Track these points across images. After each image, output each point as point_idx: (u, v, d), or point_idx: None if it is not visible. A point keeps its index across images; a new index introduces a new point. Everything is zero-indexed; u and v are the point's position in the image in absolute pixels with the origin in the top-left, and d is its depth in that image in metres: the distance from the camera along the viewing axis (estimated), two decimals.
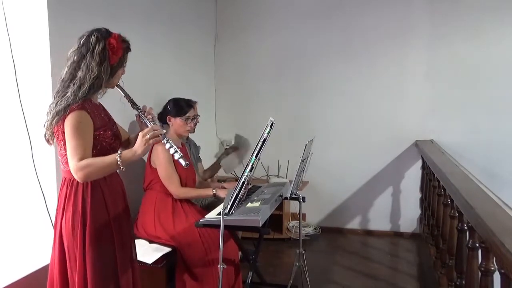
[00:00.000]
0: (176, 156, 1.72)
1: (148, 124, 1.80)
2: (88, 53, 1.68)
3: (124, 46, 1.77)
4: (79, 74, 1.68)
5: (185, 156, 2.77)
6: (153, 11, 3.22)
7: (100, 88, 1.75)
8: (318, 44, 4.20)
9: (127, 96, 1.85)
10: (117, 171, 1.94)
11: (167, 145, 1.73)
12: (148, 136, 1.66)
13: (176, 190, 2.60)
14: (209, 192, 2.66)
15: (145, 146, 1.67)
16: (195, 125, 3.14)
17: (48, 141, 1.79)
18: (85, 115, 1.68)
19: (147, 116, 1.82)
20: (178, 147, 2.51)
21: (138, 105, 1.86)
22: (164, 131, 1.74)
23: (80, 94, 1.67)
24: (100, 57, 1.68)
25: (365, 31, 4.09)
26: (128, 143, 2.00)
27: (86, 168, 1.64)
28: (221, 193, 2.63)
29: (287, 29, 4.27)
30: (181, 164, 1.73)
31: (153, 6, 3.23)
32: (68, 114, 1.66)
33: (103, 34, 1.71)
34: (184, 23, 3.73)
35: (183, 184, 2.67)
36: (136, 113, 1.85)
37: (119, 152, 1.67)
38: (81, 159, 1.64)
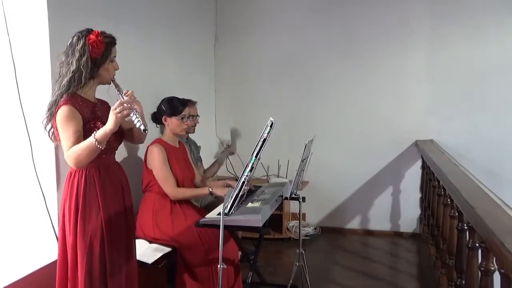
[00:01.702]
0: (138, 125, 1.80)
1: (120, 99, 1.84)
2: (70, 51, 1.82)
3: (106, 40, 1.85)
4: (63, 70, 1.82)
5: (184, 156, 2.82)
6: (153, 11, 3.22)
7: (81, 81, 1.83)
8: (318, 44, 4.20)
9: (117, 87, 1.91)
10: (120, 170, 2.05)
11: (133, 118, 1.79)
12: (117, 110, 1.73)
13: (172, 191, 2.59)
14: (205, 191, 2.64)
15: (114, 120, 1.73)
16: (195, 125, 3.15)
17: (51, 139, 1.91)
18: (71, 109, 1.79)
19: (125, 98, 1.84)
20: (174, 147, 2.52)
21: (124, 91, 1.90)
22: (136, 107, 1.81)
23: (61, 88, 1.81)
24: (80, 52, 1.80)
25: (365, 31, 4.09)
26: (132, 133, 2.06)
27: (73, 154, 1.76)
28: (218, 191, 2.61)
29: (287, 29, 4.27)
30: (141, 130, 1.80)
31: (153, 7, 3.23)
32: (57, 110, 1.80)
33: (84, 33, 1.83)
34: (184, 23, 3.74)
35: (180, 184, 2.65)
36: (119, 98, 1.87)
37: (94, 132, 1.75)
38: (70, 148, 1.77)
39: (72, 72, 1.80)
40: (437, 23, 3.94)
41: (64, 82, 1.81)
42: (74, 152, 1.75)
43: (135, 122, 1.80)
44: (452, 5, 3.90)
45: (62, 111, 1.78)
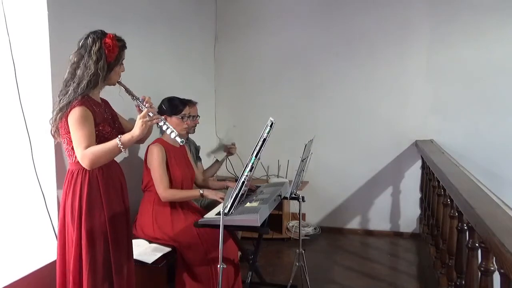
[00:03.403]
0: (173, 135, 1.82)
1: (145, 109, 1.87)
2: (86, 53, 1.84)
3: (119, 44, 1.90)
4: (78, 72, 1.83)
5: (185, 156, 2.82)
6: (153, 11, 3.22)
7: (97, 84, 1.87)
8: (318, 44, 4.20)
9: (127, 90, 1.96)
10: (119, 169, 2.06)
11: (164, 127, 1.83)
12: (147, 118, 1.78)
13: (163, 192, 2.55)
14: (195, 193, 2.61)
15: (142, 127, 1.78)
16: (195, 125, 3.14)
17: (54, 136, 1.92)
18: (85, 110, 1.82)
19: (146, 104, 1.89)
20: (175, 147, 2.54)
21: (138, 96, 1.95)
22: (162, 117, 1.85)
23: (79, 91, 1.82)
24: (97, 55, 1.83)
25: (365, 31, 4.09)
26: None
27: (91, 154, 1.78)
28: (209, 194, 2.57)
29: (287, 29, 4.27)
30: (177, 142, 1.83)
31: (153, 7, 3.23)
32: (70, 111, 1.80)
33: (99, 35, 1.86)
34: (184, 23, 3.73)
35: (179, 184, 2.65)
36: (136, 103, 1.93)
37: (119, 136, 1.81)
38: (86, 147, 1.79)
39: (90, 75, 1.82)
40: (437, 24, 3.94)
41: (83, 85, 1.82)
42: (93, 153, 1.77)
43: (168, 132, 1.82)
44: (452, 5, 3.90)
45: (77, 112, 1.80)
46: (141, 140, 2.10)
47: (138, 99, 1.92)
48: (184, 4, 3.75)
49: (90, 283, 1.85)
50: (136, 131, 1.79)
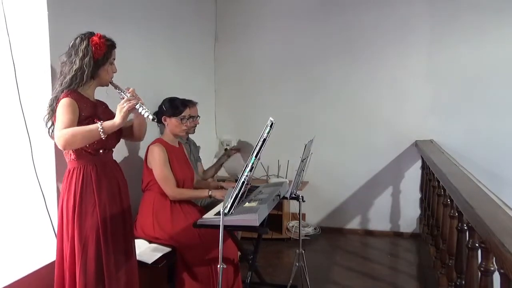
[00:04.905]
0: (145, 115, 1.85)
1: (124, 97, 1.90)
2: (73, 51, 1.89)
3: (107, 43, 1.93)
4: (65, 69, 1.88)
5: (183, 157, 2.82)
6: (153, 12, 3.22)
7: (83, 80, 1.88)
8: (318, 44, 4.20)
9: (116, 87, 1.98)
10: (117, 168, 2.07)
11: (140, 109, 1.85)
12: (124, 104, 1.81)
13: (171, 191, 2.58)
14: (204, 193, 2.63)
15: (121, 115, 1.81)
16: (195, 126, 3.14)
17: (51, 136, 1.94)
18: (71, 101, 1.84)
19: (128, 94, 1.91)
20: (174, 147, 2.55)
21: (123, 89, 1.97)
22: (140, 99, 1.87)
23: (64, 85, 1.88)
24: (83, 52, 1.87)
25: (365, 31, 4.09)
26: (131, 130, 2.09)
27: (67, 133, 1.76)
28: (217, 194, 2.60)
29: (287, 29, 4.27)
30: (149, 119, 1.86)
31: (153, 7, 3.22)
32: (57, 105, 1.86)
33: (87, 35, 1.91)
34: (184, 23, 3.73)
35: (181, 184, 2.66)
36: (121, 96, 1.93)
37: (101, 121, 1.82)
38: (64, 129, 1.79)
39: (75, 70, 1.86)
40: (437, 24, 3.94)
41: (66, 79, 1.87)
42: (71, 130, 1.77)
43: (142, 113, 1.85)
44: (452, 5, 3.90)
45: (63, 102, 1.83)
46: (139, 136, 2.12)
47: (123, 91, 1.94)
48: (184, 4, 3.75)
49: (82, 283, 1.86)
50: (117, 119, 1.81)
